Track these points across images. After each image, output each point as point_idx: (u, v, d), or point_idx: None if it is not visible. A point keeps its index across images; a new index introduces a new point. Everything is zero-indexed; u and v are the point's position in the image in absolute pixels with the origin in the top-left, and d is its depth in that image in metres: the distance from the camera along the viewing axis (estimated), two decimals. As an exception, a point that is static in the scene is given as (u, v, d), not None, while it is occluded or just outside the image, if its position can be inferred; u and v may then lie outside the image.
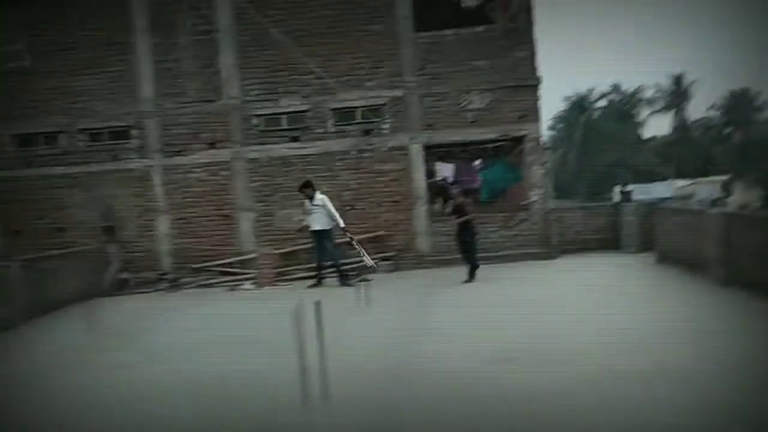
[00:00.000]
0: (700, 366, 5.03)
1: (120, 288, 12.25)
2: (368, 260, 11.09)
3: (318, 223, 10.74)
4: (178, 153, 12.67)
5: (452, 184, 10.64)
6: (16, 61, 12.69)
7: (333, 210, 10.72)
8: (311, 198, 10.79)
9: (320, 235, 10.76)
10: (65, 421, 4.88)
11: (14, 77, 12.70)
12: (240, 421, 4.61)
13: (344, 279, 10.69)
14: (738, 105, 54.17)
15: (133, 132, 12.72)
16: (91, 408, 5.18)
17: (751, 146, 51.72)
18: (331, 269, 10.93)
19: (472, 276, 9.99)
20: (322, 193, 11.00)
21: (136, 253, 12.73)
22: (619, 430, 3.91)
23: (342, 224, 10.79)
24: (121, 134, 12.78)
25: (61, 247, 12.13)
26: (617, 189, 38.78)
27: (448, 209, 10.39)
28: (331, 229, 10.75)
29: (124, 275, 12.44)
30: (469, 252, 10.13)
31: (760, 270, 7.29)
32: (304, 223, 10.99)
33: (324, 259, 10.92)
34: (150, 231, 12.76)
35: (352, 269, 11.40)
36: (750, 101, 54.20)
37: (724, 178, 40.33)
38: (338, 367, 5.09)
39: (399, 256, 12.40)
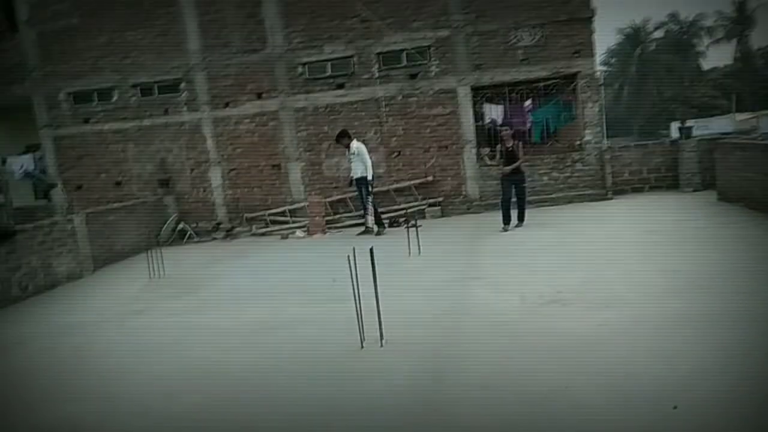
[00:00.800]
0: (759, 310, 4.87)
1: (179, 238, 12.72)
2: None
3: (356, 171, 10.69)
4: (227, 105, 12.79)
5: (502, 126, 10.19)
6: (65, 19, 12.91)
7: (367, 159, 10.60)
8: (348, 147, 10.74)
9: (359, 183, 10.74)
10: (128, 366, 5.17)
11: (65, 36, 12.97)
12: (295, 365, 4.77)
13: (378, 227, 10.71)
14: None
15: (182, 85, 12.87)
16: (151, 352, 5.46)
17: (823, 74, 48.29)
18: (368, 216, 10.85)
19: (514, 220, 9.64)
20: (362, 141, 10.98)
21: (191, 204, 13.12)
22: (668, 374, 3.86)
23: (370, 175, 10.62)
24: (171, 88, 12.96)
25: (119, 201, 12.63)
26: (675, 125, 37.14)
27: (497, 154, 9.84)
28: (367, 178, 10.63)
29: (181, 226, 12.87)
30: (519, 198, 9.67)
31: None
32: (351, 174, 10.97)
33: (368, 205, 10.87)
34: (203, 182, 13.08)
35: (399, 216, 11.45)
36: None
37: (791, 109, 37.87)
38: (391, 312, 5.18)
39: (447, 202, 12.34)
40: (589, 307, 5.35)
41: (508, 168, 9.53)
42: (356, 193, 11.13)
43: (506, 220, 9.51)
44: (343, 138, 10.84)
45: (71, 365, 5.42)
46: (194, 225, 12.98)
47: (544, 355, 4.43)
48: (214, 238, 12.53)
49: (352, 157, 10.74)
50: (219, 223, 12.89)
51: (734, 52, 53.78)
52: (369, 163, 10.62)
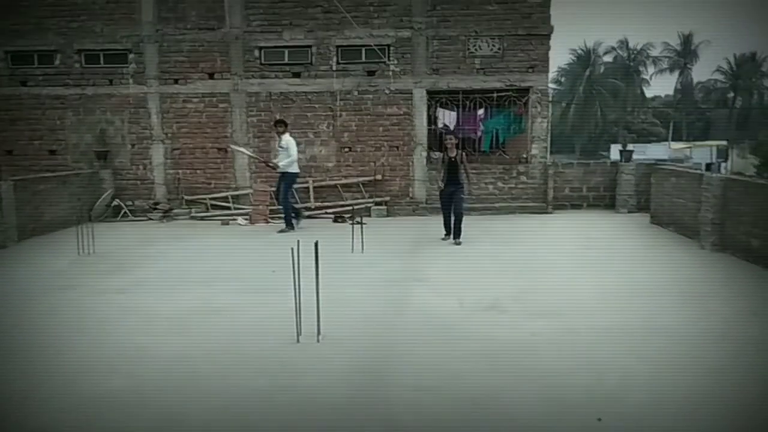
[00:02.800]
0: (683, 326, 5.14)
1: (112, 215, 12.21)
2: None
3: (281, 163, 10.36)
4: (176, 81, 12.36)
5: (447, 134, 10.05)
6: (10, -27, 12.15)
7: (293, 154, 10.24)
8: (280, 136, 10.41)
9: (281, 177, 10.40)
10: (48, 344, 4.91)
11: (7, -10, 12.20)
12: (227, 355, 4.66)
13: (287, 226, 10.34)
14: (743, 70, 53.43)
15: (131, 56, 12.35)
16: (74, 331, 5.21)
17: (751, 113, 51.40)
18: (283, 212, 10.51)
19: (452, 235, 9.02)
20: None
21: (129, 181, 12.61)
22: (596, 383, 3.99)
23: (293, 171, 10.34)
24: (119, 58, 12.40)
25: (53, 170, 12.00)
26: (615, 147, 38.60)
27: (442, 159, 9.09)
28: (288, 173, 10.29)
29: (116, 202, 12.36)
30: (453, 209, 8.97)
31: (752, 236, 7.35)
32: (275, 161, 10.69)
33: (281, 202, 10.48)
34: (144, 159, 12.60)
35: (345, 212, 11.41)
36: (757, 67, 53.43)
37: (721, 143, 40.18)
38: (330, 308, 5.14)
39: (394, 202, 12.37)
40: (525, 316, 5.48)
41: (443, 187, 8.99)
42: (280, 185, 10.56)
43: (448, 230, 9.15)
44: (280, 126, 10.47)
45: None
46: (130, 203, 12.48)
47: (478, 359, 4.49)
48: (150, 219, 12.10)
49: (279, 149, 10.45)
50: (157, 203, 12.44)
51: (676, 84, 56.58)
52: (294, 159, 10.26)
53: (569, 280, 6.82)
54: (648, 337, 4.89)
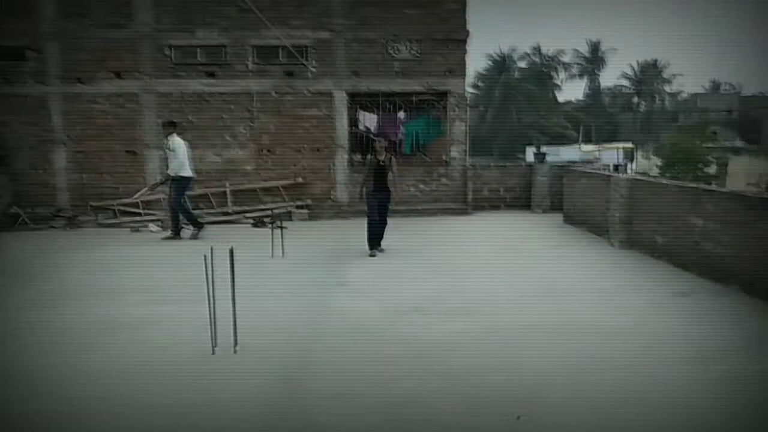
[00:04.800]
0: (595, 321, 5.32)
1: (9, 223, 11.29)
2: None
3: (171, 168, 9.70)
4: (80, 81, 11.61)
5: (376, 136, 9.74)
6: None
7: (180, 157, 9.57)
8: (167, 139, 9.75)
9: (171, 182, 9.75)
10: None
11: None
12: (139, 370, 4.36)
13: (173, 233, 9.83)
14: (647, 76, 57.07)
15: (30, 53, 11.48)
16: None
17: (654, 117, 54.95)
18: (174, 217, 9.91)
19: (375, 246, 8.37)
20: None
21: (28, 186, 11.69)
22: (515, 384, 4.04)
23: (187, 174, 9.72)
24: (15, 55, 11.48)
25: (-60, 176, 10.97)
26: (530, 149, 40.14)
27: (369, 163, 8.42)
28: (178, 177, 9.63)
29: (15, 209, 11.44)
30: (381, 216, 8.36)
31: (657, 233, 7.76)
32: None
33: (172, 208, 9.83)
34: (45, 163, 11.74)
35: (264, 216, 11.11)
36: (658, 73, 57.22)
37: (627, 145, 42.63)
38: (248, 316, 4.93)
39: (315, 205, 12.20)
40: (445, 317, 5.50)
41: (370, 193, 8.32)
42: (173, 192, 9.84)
43: (373, 242, 8.36)
44: (168, 127, 9.84)
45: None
46: (29, 210, 11.58)
47: (401, 362, 4.45)
48: (52, 227, 11.28)
49: (167, 151, 9.81)
50: (59, 210, 11.62)
51: (585, 89, 59.61)
52: (185, 162, 9.64)
53: (488, 279, 6.92)
54: (563, 334, 5.02)
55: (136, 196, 10.76)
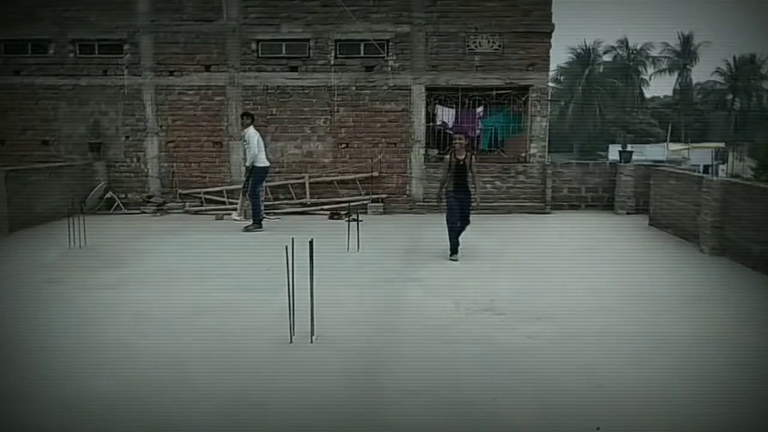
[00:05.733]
0: (678, 330, 5.05)
1: (105, 207, 12.05)
2: (236, 215, 10.65)
3: (246, 158, 10.05)
4: (172, 73, 12.19)
5: (456, 133, 9.43)
6: (3, -41, 11.95)
7: (253, 149, 9.81)
8: (243, 130, 10.04)
9: (248, 171, 10.05)
10: (32, 340, 4.79)
11: (1, -23, 12.00)
12: (219, 355, 4.54)
13: (254, 224, 9.96)
14: (742, 72, 53.42)
15: (126, 47, 12.17)
16: (64, 328, 5.08)
17: (750, 115, 51.42)
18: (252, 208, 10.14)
19: (454, 251, 7.83)
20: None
21: (122, 173, 12.45)
22: (593, 391, 3.89)
23: (252, 164, 9.86)
24: (113, 48, 12.22)
25: (45, 161, 11.84)
26: (613, 147, 38.55)
27: (448, 162, 7.85)
28: (253, 167, 9.91)
29: (109, 195, 12.20)
30: (461, 218, 7.83)
31: (753, 242, 7.26)
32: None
33: (250, 197, 10.08)
34: (138, 152, 12.44)
35: (341, 209, 11.27)
36: (756, 69, 53.41)
37: (719, 145, 40.16)
38: (324, 307, 5.02)
39: (390, 199, 12.25)
40: (521, 318, 5.38)
41: (449, 193, 7.81)
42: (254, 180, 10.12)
43: (455, 246, 7.87)
44: (246, 118, 10.14)
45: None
46: (123, 195, 12.32)
47: (474, 362, 4.39)
48: (143, 212, 11.95)
49: (242, 143, 10.13)
50: (150, 196, 12.29)
51: (675, 84, 56.54)
52: (254, 154, 9.84)
53: (566, 282, 6.71)
54: (645, 341, 4.79)
55: (235, 216, 10.87)
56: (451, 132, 12.06)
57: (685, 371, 4.25)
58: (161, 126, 12.34)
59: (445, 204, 7.88)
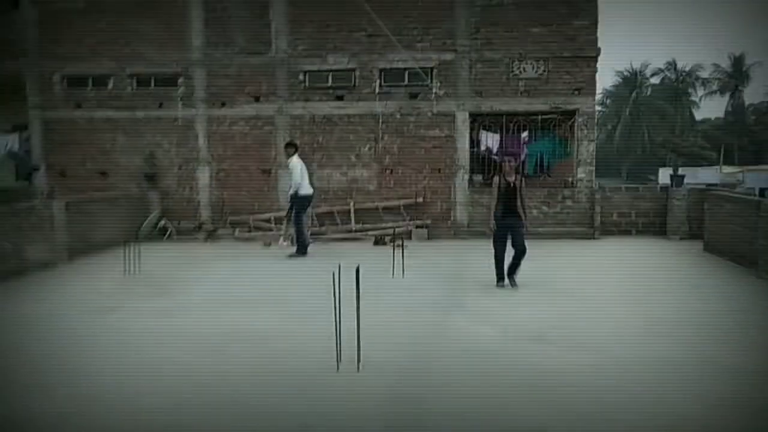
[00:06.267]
0: (737, 361, 4.83)
1: (159, 235, 12.45)
2: (282, 240, 10.69)
3: (289, 186, 10.26)
4: (223, 104, 12.63)
5: (506, 155, 9.23)
6: (71, 1, 12.69)
7: (296, 177, 9.99)
8: (288, 159, 10.28)
9: (291, 200, 10.22)
10: (91, 364, 4.95)
11: (67, 17, 12.75)
12: (267, 380, 4.59)
13: (297, 251, 10.16)
14: (800, 92, 51.41)
15: (180, 80, 12.70)
16: (119, 353, 5.25)
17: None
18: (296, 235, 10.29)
19: (510, 278, 7.59)
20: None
21: (175, 202, 12.87)
22: (641, 419, 3.75)
23: (305, 193, 10.05)
24: (169, 81, 12.77)
25: (103, 191, 12.36)
26: (664, 171, 37.58)
27: (497, 185, 7.61)
28: (295, 194, 10.07)
29: (163, 223, 12.62)
30: (515, 248, 7.50)
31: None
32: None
33: (294, 226, 10.23)
34: (190, 181, 12.86)
35: (385, 235, 11.31)
36: (814, 89, 51.30)
37: (777, 167, 38.55)
38: (371, 333, 5.04)
39: (435, 225, 12.24)
40: (570, 347, 5.26)
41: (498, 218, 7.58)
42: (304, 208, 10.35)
43: (502, 274, 7.69)
44: (289, 148, 10.36)
45: (32, 358, 5.17)
46: (176, 223, 12.72)
47: (522, 391, 4.31)
48: (195, 239, 12.29)
49: (286, 171, 10.33)
50: (202, 224, 12.65)
51: (726, 106, 54.88)
52: (297, 182, 9.99)
53: (617, 309, 6.54)
54: (700, 372, 4.61)
55: (282, 242, 10.97)
56: (495, 158, 12.04)
57: (748, 404, 4.06)
58: (212, 155, 12.74)
59: (493, 229, 7.67)
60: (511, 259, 7.54)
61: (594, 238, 11.76)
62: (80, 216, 10.33)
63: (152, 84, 12.83)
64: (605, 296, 7.21)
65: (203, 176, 12.81)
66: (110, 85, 12.89)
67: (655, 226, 12.10)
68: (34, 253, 9.01)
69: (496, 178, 7.70)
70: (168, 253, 10.71)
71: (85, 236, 10.41)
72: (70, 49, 12.81)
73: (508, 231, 7.53)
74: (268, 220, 12.52)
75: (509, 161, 7.71)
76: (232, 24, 12.42)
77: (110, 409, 4.09)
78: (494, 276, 7.73)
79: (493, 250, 7.70)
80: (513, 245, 7.50)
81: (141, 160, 12.86)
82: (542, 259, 9.71)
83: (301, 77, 12.42)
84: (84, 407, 4.14)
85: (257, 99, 12.54)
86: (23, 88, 13.05)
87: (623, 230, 12.20)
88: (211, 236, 12.28)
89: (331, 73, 12.40)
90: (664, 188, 12.80)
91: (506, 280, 7.65)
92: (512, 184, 7.53)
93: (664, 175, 35.61)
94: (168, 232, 12.53)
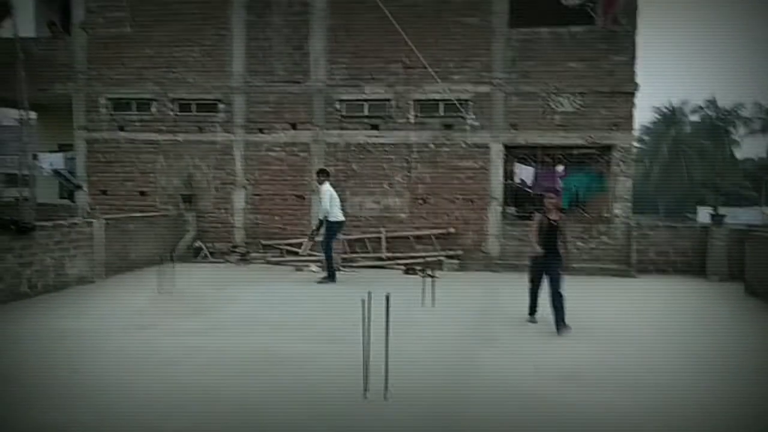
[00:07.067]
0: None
1: (193, 255, 12.65)
2: (314, 266, 11.01)
3: (319, 212, 10.39)
4: (261, 130, 12.88)
5: (547, 191, 8.91)
6: (119, 27, 13.24)
7: (324, 204, 10.14)
8: (319, 186, 10.46)
9: (318, 223, 10.41)
10: (122, 380, 5.00)
11: (114, 43, 13.27)
12: (293, 404, 4.56)
13: (327, 277, 10.24)
14: None
15: (221, 106, 13.02)
16: (148, 369, 5.29)
17: None
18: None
19: (559, 325, 6.95)
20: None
21: (211, 224, 13.09)
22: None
23: (334, 219, 10.16)
24: (209, 107, 13.11)
25: (142, 210, 12.66)
26: (702, 210, 36.72)
27: (538, 222, 7.32)
28: (326, 221, 10.19)
29: (198, 244, 12.82)
30: (553, 291, 7.07)
31: None
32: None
33: (323, 251, 10.38)
34: (226, 203, 13.08)
35: (416, 264, 11.26)
36: None
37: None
38: (399, 362, 4.98)
39: (466, 256, 12.15)
40: (604, 387, 5.10)
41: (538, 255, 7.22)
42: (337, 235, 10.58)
43: (534, 308, 7.59)
44: (320, 175, 10.57)
45: (65, 372, 5.26)
46: (210, 245, 12.92)
47: (553, 430, 4.18)
48: (228, 261, 12.44)
49: (319, 198, 10.50)
50: (235, 246, 12.82)
51: (769, 145, 53.41)
52: (326, 208, 10.13)
53: (654, 351, 6.33)
54: (749, 420, 4.41)
55: (302, 249, 11.42)
56: (529, 191, 11.95)
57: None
58: (248, 179, 12.96)
59: (530, 265, 7.48)
60: (550, 305, 7.06)
61: (630, 276, 11.48)
62: (119, 234, 10.59)
63: (193, 109, 13.19)
64: (642, 337, 6.99)
65: (238, 199, 13.02)
66: (153, 109, 13.29)
67: (694, 266, 11.76)
68: (74, 269, 9.25)
69: (537, 215, 7.43)
70: (201, 273, 10.85)
71: (123, 254, 10.64)
72: (116, 73, 13.29)
73: (546, 270, 7.25)
74: (299, 245, 12.59)
75: (549, 197, 7.44)
76: (273, 53, 12.74)
77: (136, 426, 4.11)
78: (526, 310, 7.62)
79: (528, 284, 7.55)
80: (549, 286, 7.13)
81: (179, 181, 13.16)
82: (577, 295, 9.48)
83: (337, 106, 12.61)
84: (109, 422, 4.17)
85: (294, 126, 12.76)
86: (70, 109, 13.56)
87: (661, 269, 11.89)
88: (244, 259, 12.41)
89: (367, 103, 12.56)
90: (704, 227, 12.48)
91: (537, 315, 7.54)
92: (555, 222, 7.22)
93: (702, 214, 34.79)
94: (202, 253, 12.72)
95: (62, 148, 14.81)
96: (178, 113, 13.24)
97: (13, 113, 15.01)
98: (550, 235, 7.22)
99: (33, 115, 14.96)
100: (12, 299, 7.90)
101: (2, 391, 4.78)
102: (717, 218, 12.67)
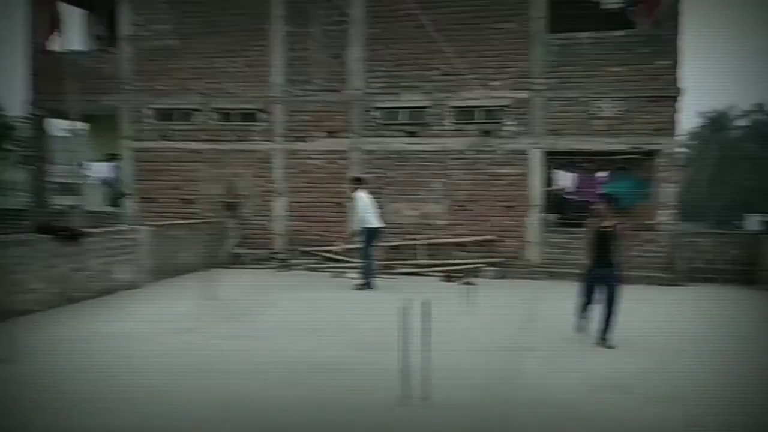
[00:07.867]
0: None
1: (235, 261, 12.87)
2: (352, 273, 10.89)
3: (355, 221, 10.43)
4: (300, 139, 13.05)
5: (598, 197, 8.40)
6: (163, 40, 13.64)
7: (361, 211, 10.24)
8: (354, 193, 10.51)
9: (356, 233, 10.45)
10: (166, 384, 5.12)
11: (160, 55, 13.67)
12: (335, 412, 4.59)
13: (365, 284, 10.26)
14: None
15: (261, 115, 13.26)
16: (190, 374, 5.41)
17: None
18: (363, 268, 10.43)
19: (603, 339, 6.67)
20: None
21: (252, 230, 13.30)
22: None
23: (369, 226, 10.19)
24: (250, 116, 13.36)
25: (186, 217, 12.96)
26: (752, 217, 35.41)
27: (590, 230, 6.88)
28: (362, 229, 10.28)
29: (240, 250, 13.04)
30: (608, 303, 6.70)
31: None
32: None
33: (360, 257, 10.47)
34: (267, 211, 13.28)
35: (455, 271, 11.19)
36: None
37: None
38: (438, 370, 4.96)
39: (506, 263, 12.01)
40: (649, 400, 4.97)
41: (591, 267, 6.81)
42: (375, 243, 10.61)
43: (582, 323, 7.14)
44: (354, 182, 10.66)
45: (110, 375, 5.41)
46: (251, 251, 13.12)
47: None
48: (268, 267, 12.62)
49: (353, 206, 10.55)
50: (274, 253, 12.99)
51: (823, 150, 51.27)
52: (360, 215, 10.26)
53: (702, 364, 6.12)
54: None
55: (352, 274, 11.38)
56: (571, 197, 11.76)
57: None
58: (288, 187, 13.14)
59: (584, 276, 7.07)
60: (602, 316, 6.71)
61: (677, 285, 11.14)
62: (164, 240, 10.86)
63: (235, 118, 13.46)
64: (690, 348, 6.78)
65: (278, 206, 13.21)
66: (196, 118, 13.62)
67: (744, 275, 11.35)
68: (121, 274, 9.53)
69: (590, 221, 7.00)
70: (242, 279, 11.03)
71: (168, 260, 10.91)
72: (161, 84, 13.69)
73: (601, 283, 6.81)
74: (338, 252, 12.69)
75: (604, 204, 7.10)
76: (311, 62, 12.91)
77: (177, 429, 4.20)
78: (570, 320, 7.37)
79: (578, 296, 7.14)
80: (605, 300, 6.72)
81: (222, 189, 13.43)
82: (622, 305, 9.29)
83: (374, 113, 12.68)
84: (153, 425, 4.27)
85: (332, 134, 12.88)
86: (117, 120, 14.02)
87: (709, 278, 11.51)
88: (283, 265, 12.57)
89: (403, 110, 12.59)
90: (755, 235, 12.04)
91: (584, 325, 7.17)
92: (609, 230, 6.76)
93: (752, 221, 33.52)
94: (244, 259, 12.93)
95: (109, 157, 15.31)
96: (220, 122, 13.52)
97: (65, 124, 15.58)
98: (602, 244, 6.78)
99: (83, 125, 15.51)
100: (64, 303, 8.19)
101: (45, 394, 4.95)
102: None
